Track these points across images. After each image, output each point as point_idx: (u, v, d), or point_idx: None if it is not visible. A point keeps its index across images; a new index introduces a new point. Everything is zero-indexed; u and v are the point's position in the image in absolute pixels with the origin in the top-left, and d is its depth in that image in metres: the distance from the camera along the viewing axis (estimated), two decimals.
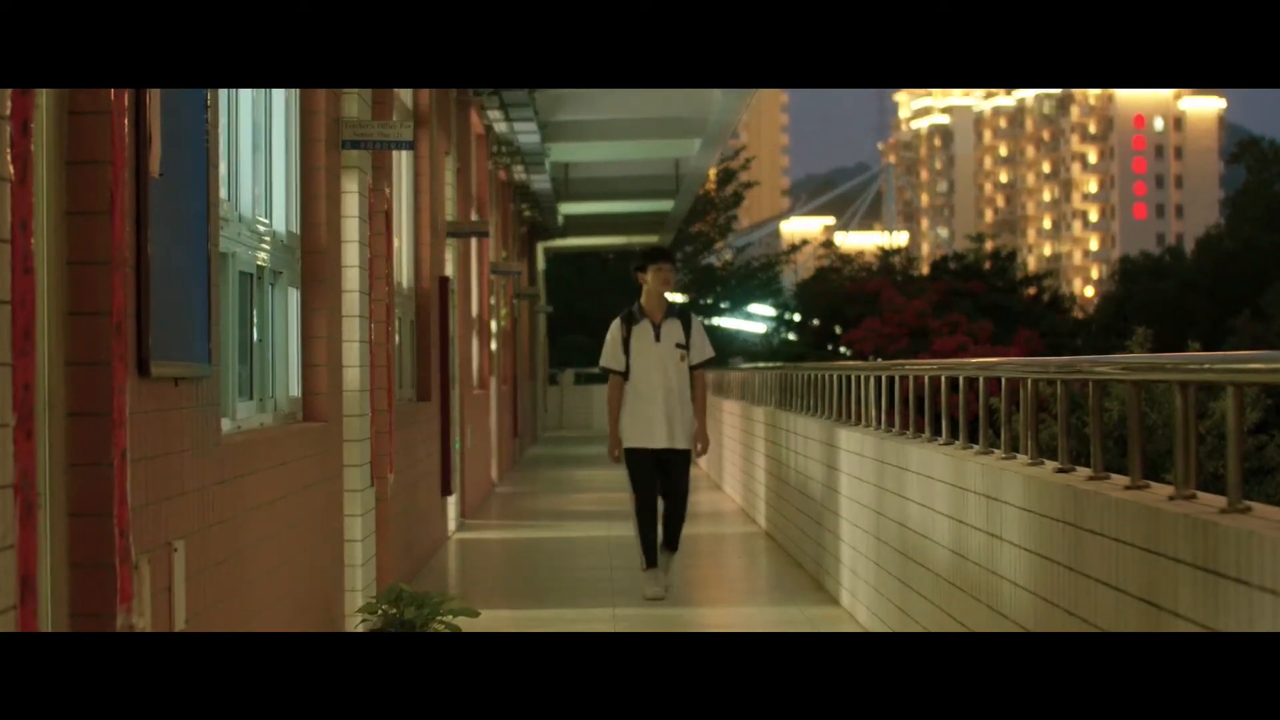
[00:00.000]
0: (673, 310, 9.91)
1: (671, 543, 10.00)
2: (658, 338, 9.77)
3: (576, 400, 36.51)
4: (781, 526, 12.94)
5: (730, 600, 10.45)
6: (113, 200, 4.46)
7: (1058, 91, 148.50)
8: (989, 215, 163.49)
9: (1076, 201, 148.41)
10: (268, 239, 7.30)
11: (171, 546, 5.09)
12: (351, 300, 8.51)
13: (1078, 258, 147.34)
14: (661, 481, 9.87)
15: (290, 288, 7.78)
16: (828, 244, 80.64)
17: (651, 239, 35.52)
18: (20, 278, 3.79)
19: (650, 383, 9.74)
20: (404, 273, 12.49)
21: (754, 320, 53.63)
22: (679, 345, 9.79)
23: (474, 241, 17.49)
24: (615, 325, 9.83)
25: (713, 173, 48.91)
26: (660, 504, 9.97)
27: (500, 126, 19.09)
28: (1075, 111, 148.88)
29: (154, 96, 4.83)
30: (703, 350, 9.88)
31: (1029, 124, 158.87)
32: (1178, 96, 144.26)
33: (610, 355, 9.84)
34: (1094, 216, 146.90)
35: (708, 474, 21.25)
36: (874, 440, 8.71)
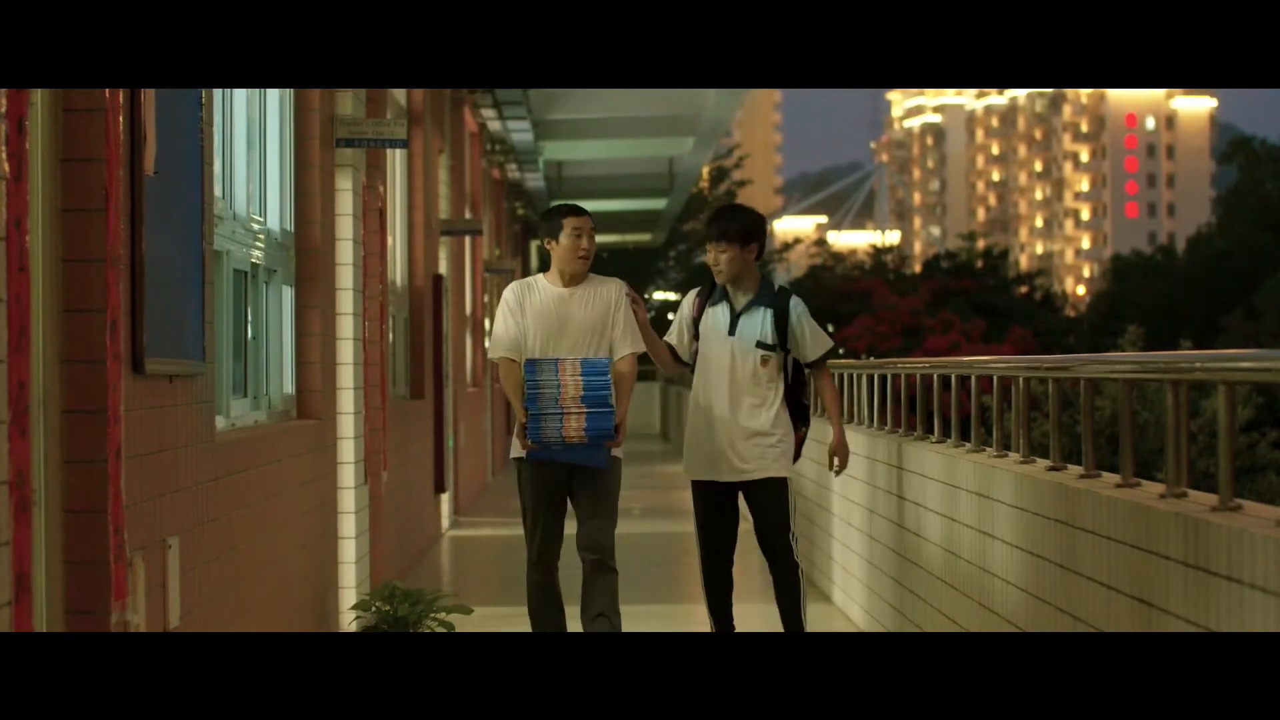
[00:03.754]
0: (765, 295, 6.86)
1: (791, 621, 6.80)
2: (731, 329, 6.81)
3: None
4: None
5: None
6: (107, 198, 4.47)
7: (1050, 91, 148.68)
8: (981, 214, 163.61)
9: (1068, 200, 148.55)
10: (262, 237, 7.30)
11: (166, 543, 5.10)
12: (345, 298, 8.52)
13: (1070, 256, 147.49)
14: (755, 525, 6.87)
15: (284, 285, 7.79)
16: (820, 242, 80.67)
17: (645, 237, 35.58)
18: (15, 275, 3.80)
19: (709, 390, 6.84)
20: (398, 270, 12.50)
21: None
22: (762, 346, 6.78)
23: (467, 240, 17.50)
24: (689, 299, 7.04)
25: (706, 171, 48.92)
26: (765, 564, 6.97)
27: (494, 125, 19.10)
28: (1067, 110, 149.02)
29: (149, 94, 4.84)
30: (818, 343, 6.87)
31: (1021, 123, 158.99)
32: (1169, 96, 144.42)
33: (673, 334, 7.02)
34: (1086, 215, 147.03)
35: None
36: (866, 438, 8.73)
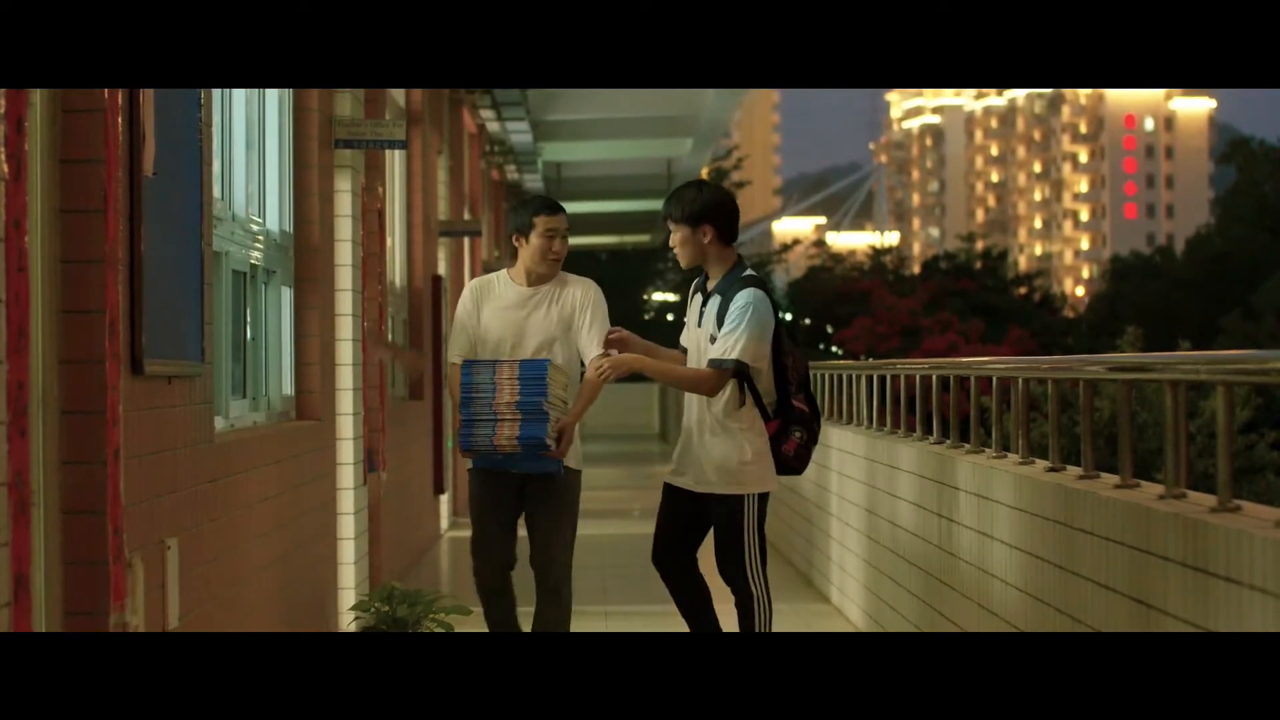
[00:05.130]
0: (724, 282, 6.07)
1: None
2: (699, 321, 6.14)
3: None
4: (773, 525, 12.95)
5: (721, 598, 10.45)
6: (106, 198, 4.47)
7: (1049, 91, 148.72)
8: (980, 215, 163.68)
9: (1067, 201, 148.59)
10: (261, 237, 7.30)
11: (165, 544, 5.09)
12: (344, 299, 8.52)
13: (1068, 257, 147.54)
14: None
15: (283, 286, 7.79)
16: (819, 243, 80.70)
17: (643, 238, 35.60)
18: (14, 275, 3.80)
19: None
20: (397, 271, 12.50)
21: None
22: (714, 339, 6.04)
23: (466, 240, 17.50)
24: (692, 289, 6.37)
25: (705, 172, 48.92)
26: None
27: (493, 126, 19.11)
28: (1066, 111, 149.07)
29: (147, 95, 4.84)
30: (724, 344, 5.95)
31: (1020, 124, 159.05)
32: (1168, 96, 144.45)
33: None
34: (1085, 216, 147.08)
35: None
36: (865, 438, 8.73)
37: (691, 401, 6.10)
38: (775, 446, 6.04)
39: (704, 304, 6.12)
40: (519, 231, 6.21)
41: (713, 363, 5.94)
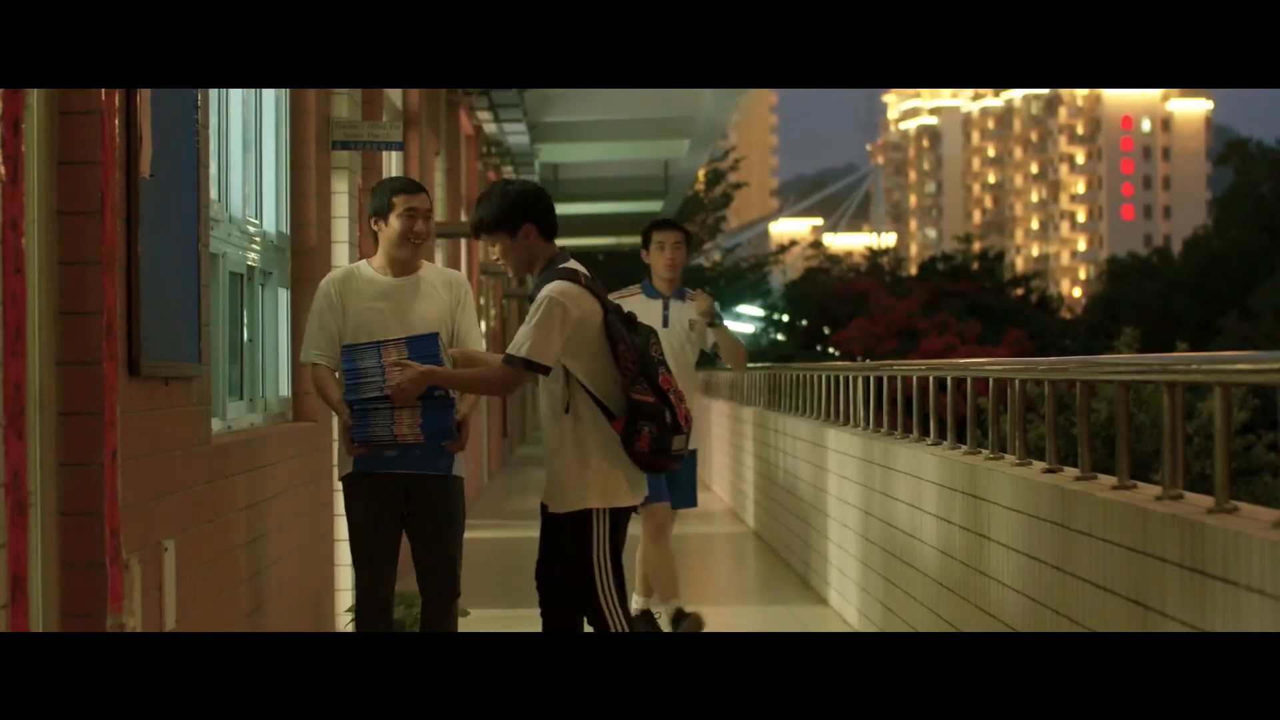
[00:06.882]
0: (540, 277, 5.43)
1: None
2: None
3: None
4: (770, 526, 12.95)
5: (718, 599, 10.46)
6: (103, 200, 4.47)
7: (1046, 92, 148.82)
8: (977, 216, 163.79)
9: (1064, 202, 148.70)
10: (258, 239, 7.30)
11: (162, 546, 5.09)
12: None
13: (1065, 258, 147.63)
14: None
15: (280, 287, 7.79)
16: (816, 245, 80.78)
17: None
18: (11, 277, 3.80)
19: None
20: None
21: (742, 321, 53.74)
22: None
23: (463, 242, 17.51)
24: None
25: (702, 173, 48.97)
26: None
27: (489, 127, 19.12)
28: (1063, 113, 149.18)
29: (144, 97, 4.84)
30: (517, 338, 5.35)
31: (1017, 125, 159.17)
32: (1165, 97, 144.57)
33: None
34: (1082, 217, 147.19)
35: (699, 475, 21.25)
36: (862, 440, 8.73)
37: (541, 413, 5.48)
38: (628, 447, 5.32)
39: None
40: (377, 214, 5.74)
41: (509, 359, 5.31)
